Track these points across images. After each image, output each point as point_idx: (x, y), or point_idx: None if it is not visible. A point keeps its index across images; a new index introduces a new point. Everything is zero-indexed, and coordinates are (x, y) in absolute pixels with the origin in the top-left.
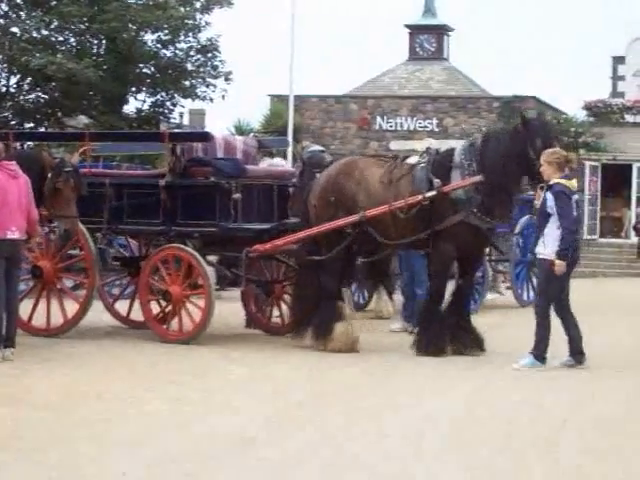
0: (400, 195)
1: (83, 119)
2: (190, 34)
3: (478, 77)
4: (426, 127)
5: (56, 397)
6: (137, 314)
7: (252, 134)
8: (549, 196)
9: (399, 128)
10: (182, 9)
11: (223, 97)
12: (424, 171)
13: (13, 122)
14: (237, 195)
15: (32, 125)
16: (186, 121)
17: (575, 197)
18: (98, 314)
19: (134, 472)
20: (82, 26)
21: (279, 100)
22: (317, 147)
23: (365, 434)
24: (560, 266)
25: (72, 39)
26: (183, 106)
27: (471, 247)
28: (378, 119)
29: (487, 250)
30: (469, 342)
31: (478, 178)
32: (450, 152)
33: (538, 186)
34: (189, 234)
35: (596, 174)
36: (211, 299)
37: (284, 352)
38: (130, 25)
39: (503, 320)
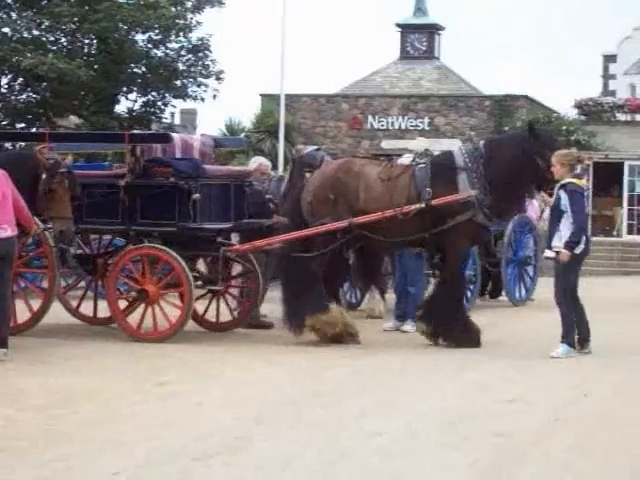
0: (400, 192)
1: (74, 119)
2: (181, 34)
3: (469, 76)
4: (417, 126)
5: (48, 398)
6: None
7: (243, 133)
8: (562, 194)
9: (390, 127)
10: (173, 9)
11: (214, 97)
12: (424, 172)
13: (4, 122)
14: (196, 195)
15: (23, 125)
16: (177, 121)
17: (586, 194)
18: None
19: (126, 472)
20: (73, 26)
21: (270, 99)
22: (312, 147)
23: (358, 432)
24: (565, 255)
25: (63, 39)
26: (174, 106)
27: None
28: (369, 118)
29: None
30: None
31: (473, 192)
32: (448, 155)
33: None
34: (148, 233)
35: (587, 173)
36: (191, 298)
37: (276, 352)
38: (121, 25)
39: (495, 319)
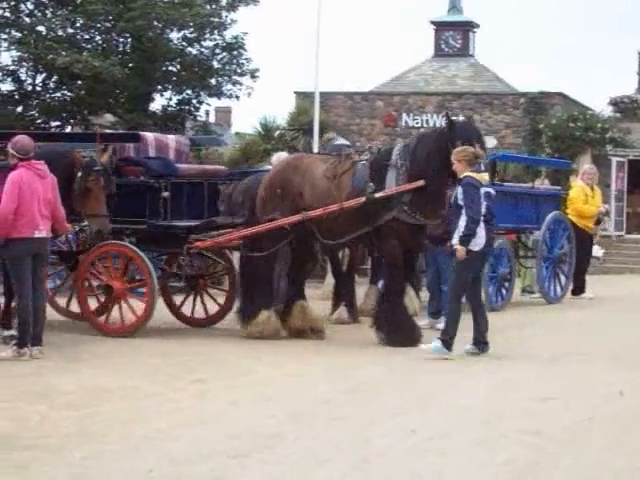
0: (341, 190)
1: (109, 117)
2: (216, 32)
3: (504, 73)
4: None
5: (82, 395)
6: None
7: (278, 131)
8: (459, 189)
9: (425, 125)
10: (208, 7)
11: (249, 94)
12: (364, 169)
13: (39, 121)
14: (166, 193)
15: (58, 124)
16: (212, 119)
17: (485, 190)
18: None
19: (160, 469)
20: (108, 24)
21: (305, 97)
22: (343, 141)
23: (392, 431)
24: (460, 251)
25: (98, 37)
26: (209, 104)
27: (407, 243)
28: (404, 116)
29: (514, 247)
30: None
31: (420, 183)
32: (389, 151)
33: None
34: (120, 231)
35: (623, 170)
36: (153, 293)
37: (310, 350)
38: (156, 23)
39: (529, 317)
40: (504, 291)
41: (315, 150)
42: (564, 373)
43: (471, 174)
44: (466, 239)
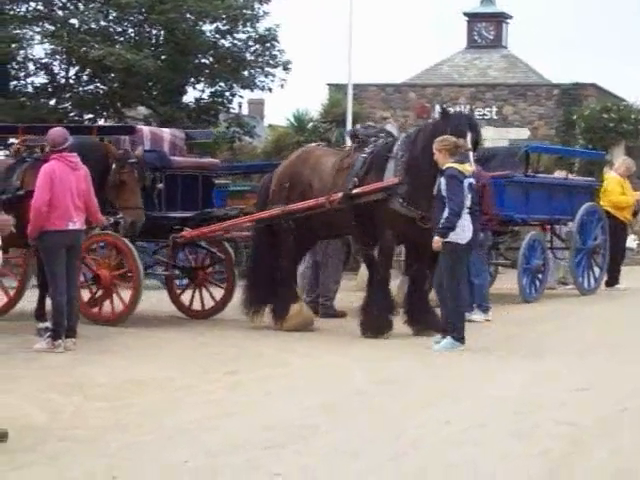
0: (338, 183)
1: (142, 110)
2: (248, 24)
3: (537, 64)
4: (485, 115)
5: (115, 387)
6: None
7: (311, 124)
8: (442, 180)
9: None
10: None
11: (282, 87)
12: (362, 162)
13: (72, 113)
14: (160, 185)
15: (91, 116)
16: (245, 111)
17: (469, 181)
18: (158, 304)
19: (195, 460)
20: (140, 17)
21: (338, 89)
22: (392, 126)
23: (426, 422)
24: (436, 242)
25: (130, 30)
26: (242, 96)
27: (408, 236)
28: (437, 108)
29: (548, 238)
30: (428, 323)
31: (395, 180)
32: (392, 143)
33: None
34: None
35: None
36: (139, 281)
37: (343, 342)
38: (188, 15)
39: (563, 308)
40: (537, 283)
41: (348, 143)
42: (597, 364)
43: (454, 165)
44: (444, 231)
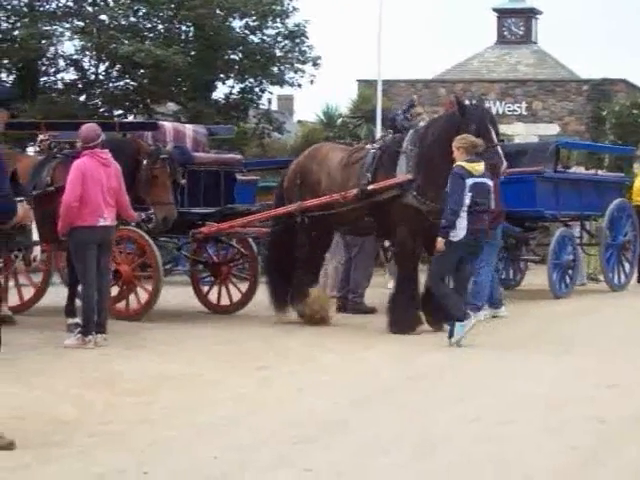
0: (351, 180)
1: (172, 106)
2: (278, 20)
3: (567, 60)
4: (515, 111)
5: (145, 382)
6: None
7: (340, 119)
8: (449, 178)
9: None
10: None
11: (311, 82)
12: (372, 157)
13: (102, 109)
14: (183, 181)
15: (121, 112)
16: (275, 107)
17: (475, 180)
18: (187, 300)
19: (224, 455)
20: (170, 13)
21: (367, 85)
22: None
23: (456, 418)
24: (439, 243)
25: (160, 26)
26: (271, 92)
27: (424, 230)
28: (467, 103)
29: (578, 234)
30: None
31: (408, 176)
32: (401, 138)
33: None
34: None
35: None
36: (159, 279)
37: (370, 339)
38: (218, 11)
39: (593, 304)
40: (568, 279)
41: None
42: (627, 360)
43: (462, 163)
44: (444, 230)
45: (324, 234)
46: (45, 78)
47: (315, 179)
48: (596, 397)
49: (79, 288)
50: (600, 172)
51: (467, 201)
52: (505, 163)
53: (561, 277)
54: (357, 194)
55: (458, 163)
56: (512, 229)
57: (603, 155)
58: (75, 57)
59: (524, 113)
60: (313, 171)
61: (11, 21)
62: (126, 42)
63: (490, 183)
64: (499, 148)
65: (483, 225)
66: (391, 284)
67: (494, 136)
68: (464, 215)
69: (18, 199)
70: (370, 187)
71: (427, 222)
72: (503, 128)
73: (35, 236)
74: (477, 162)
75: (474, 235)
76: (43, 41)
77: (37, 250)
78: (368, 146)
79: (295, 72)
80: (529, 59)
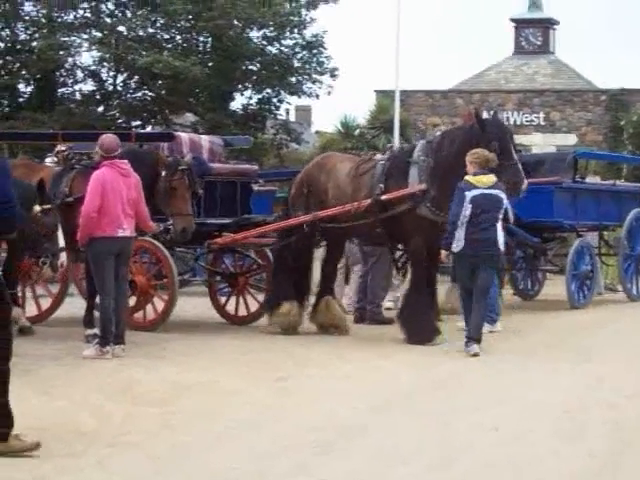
0: (360, 190)
1: (190, 117)
2: (296, 30)
3: (585, 70)
4: (532, 121)
5: (163, 392)
6: None
7: (358, 130)
8: None
9: (505, 122)
10: (287, 5)
11: (329, 93)
12: (381, 168)
13: (120, 120)
14: (200, 191)
15: (139, 123)
16: (292, 117)
17: (478, 192)
18: (205, 311)
19: (243, 463)
20: (187, 24)
21: (385, 95)
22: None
23: (476, 424)
24: (443, 255)
25: (178, 37)
26: (289, 103)
27: (430, 240)
28: (484, 114)
29: (596, 244)
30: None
31: (422, 187)
32: (411, 148)
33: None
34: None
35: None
36: (174, 289)
37: (388, 349)
38: (236, 22)
39: (611, 314)
40: (586, 289)
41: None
42: None
43: (468, 177)
44: (444, 242)
45: (334, 246)
46: (63, 89)
47: (323, 189)
48: (614, 406)
49: (97, 299)
50: (618, 182)
51: (467, 212)
52: (526, 182)
53: (579, 287)
54: (371, 204)
55: (466, 177)
56: (530, 239)
57: (621, 165)
58: (93, 68)
59: (542, 123)
60: (321, 181)
61: (29, 32)
62: (144, 53)
63: (502, 195)
64: (519, 165)
65: (488, 235)
66: (389, 297)
67: (514, 154)
68: (463, 226)
69: (46, 207)
70: (384, 197)
71: (442, 233)
72: (521, 138)
73: (61, 243)
74: (484, 174)
75: (472, 246)
76: (61, 52)
77: (63, 257)
78: (377, 157)
79: (313, 83)
80: (547, 69)
